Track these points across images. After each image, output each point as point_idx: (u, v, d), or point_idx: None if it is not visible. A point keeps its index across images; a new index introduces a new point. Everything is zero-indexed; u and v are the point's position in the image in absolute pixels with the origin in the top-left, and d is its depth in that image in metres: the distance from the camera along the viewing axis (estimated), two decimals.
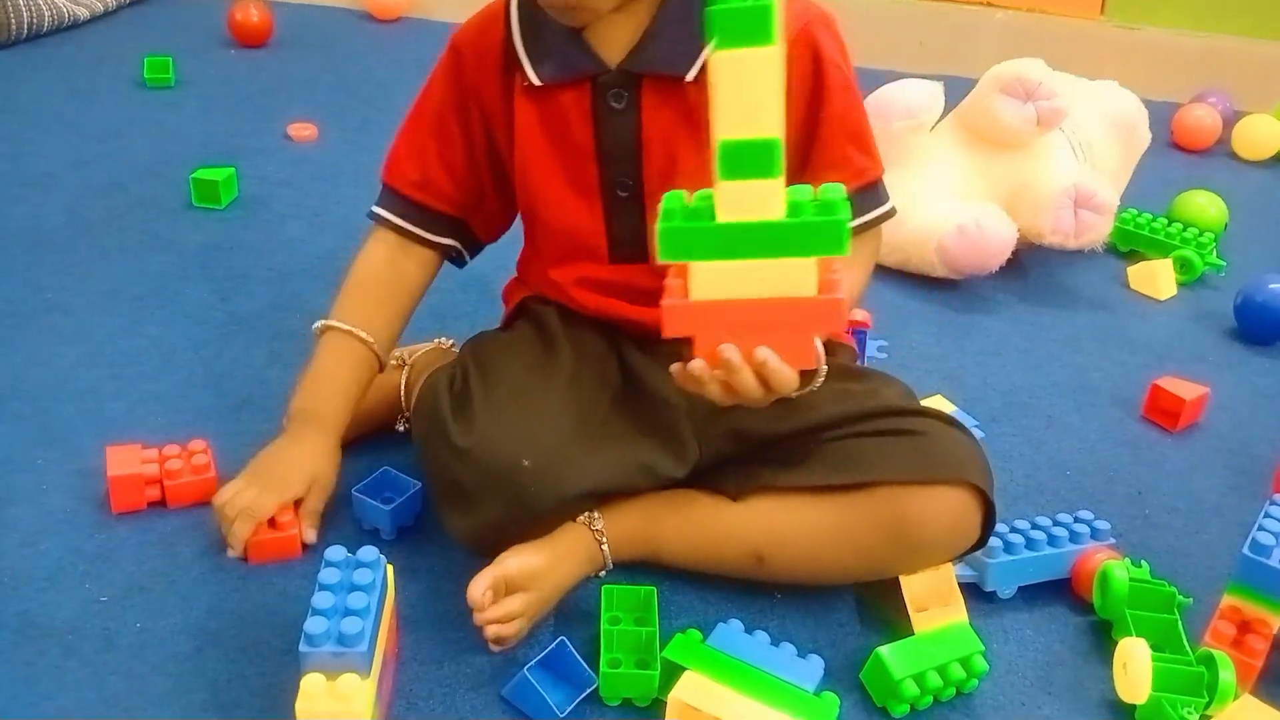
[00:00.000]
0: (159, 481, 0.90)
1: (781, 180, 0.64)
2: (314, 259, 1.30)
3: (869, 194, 0.86)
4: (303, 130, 1.64)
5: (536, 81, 0.82)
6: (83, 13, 2.01)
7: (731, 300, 0.66)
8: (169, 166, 1.48)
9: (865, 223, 0.86)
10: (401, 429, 0.98)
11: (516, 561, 0.79)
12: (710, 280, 0.66)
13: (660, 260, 0.66)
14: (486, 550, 0.82)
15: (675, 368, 0.70)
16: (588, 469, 0.80)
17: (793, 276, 0.65)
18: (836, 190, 0.65)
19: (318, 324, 0.91)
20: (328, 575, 0.72)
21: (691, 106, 0.79)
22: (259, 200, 1.44)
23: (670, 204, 0.66)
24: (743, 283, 0.65)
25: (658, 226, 0.65)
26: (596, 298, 0.88)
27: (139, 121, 1.64)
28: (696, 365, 0.69)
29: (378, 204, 0.94)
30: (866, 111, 0.85)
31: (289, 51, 2.00)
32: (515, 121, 0.84)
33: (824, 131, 0.82)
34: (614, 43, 0.80)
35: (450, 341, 1.01)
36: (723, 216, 0.64)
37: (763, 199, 0.63)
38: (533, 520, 0.80)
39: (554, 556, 0.81)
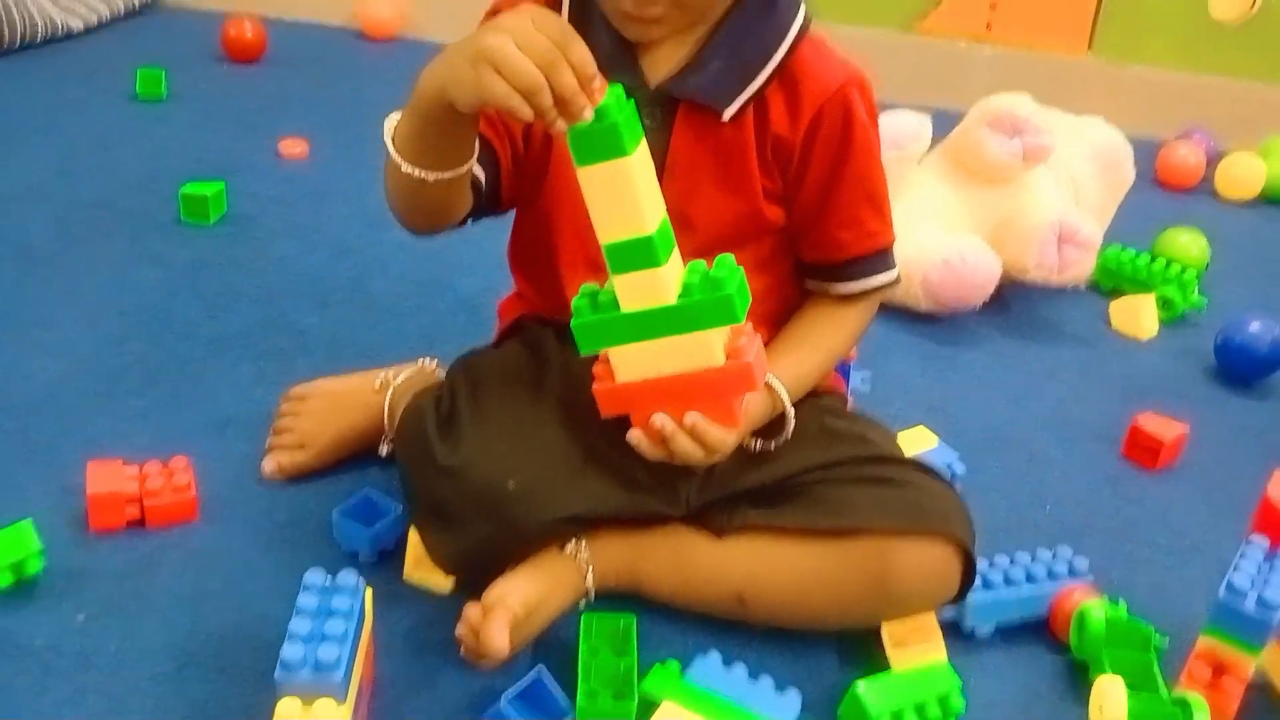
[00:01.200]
0: (139, 499, 0.89)
1: (667, 267, 0.70)
2: (303, 277, 1.30)
3: (877, 259, 0.88)
4: (294, 147, 1.64)
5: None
6: (76, 24, 2.01)
7: (652, 378, 0.73)
8: (158, 181, 1.48)
9: (867, 289, 0.88)
10: (384, 452, 0.98)
11: (520, 598, 0.79)
12: (629, 363, 0.73)
13: (582, 353, 0.74)
14: (467, 573, 0.83)
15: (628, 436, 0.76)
16: (574, 494, 0.80)
17: (699, 349, 0.71)
18: (726, 265, 0.72)
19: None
20: (305, 600, 0.72)
21: (721, 142, 0.81)
22: (248, 217, 1.44)
23: (579, 302, 0.73)
24: (657, 361, 0.72)
25: (571, 324, 0.73)
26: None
27: (129, 135, 1.64)
28: (633, 435, 0.76)
29: None
30: (885, 177, 0.87)
31: (282, 68, 2.00)
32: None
33: (843, 189, 0.84)
34: (660, 63, 0.81)
35: (434, 363, 1.01)
36: (624, 306, 0.71)
37: (654, 286, 0.70)
38: (516, 543, 0.80)
39: (546, 587, 0.81)
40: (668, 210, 0.73)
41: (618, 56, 0.80)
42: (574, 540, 0.84)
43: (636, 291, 0.71)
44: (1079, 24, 2.22)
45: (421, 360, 1.02)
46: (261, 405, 1.03)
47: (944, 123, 1.46)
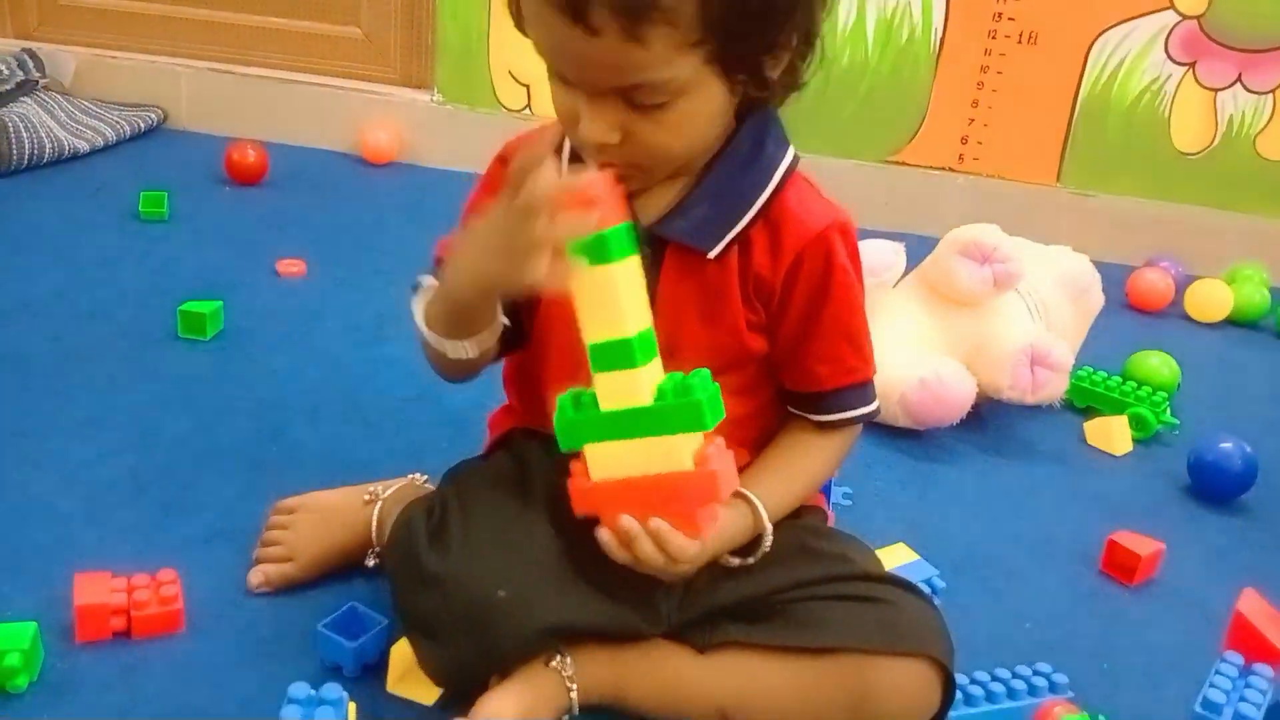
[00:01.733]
0: (125, 611, 0.90)
1: (645, 370, 0.73)
2: (297, 391, 1.33)
3: (854, 392, 0.90)
4: (291, 266, 1.69)
5: None
6: (83, 145, 2.08)
7: (623, 479, 0.76)
8: (157, 298, 1.52)
9: (845, 419, 0.91)
10: (371, 564, 0.99)
11: (512, 711, 0.79)
12: (603, 462, 0.76)
13: (562, 449, 0.77)
14: (458, 685, 0.83)
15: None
16: (563, 604, 0.81)
17: (668, 453, 0.74)
18: (700, 377, 0.74)
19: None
20: (290, 713, 0.73)
21: (707, 279, 0.84)
22: (245, 333, 1.47)
23: (564, 400, 0.77)
24: (629, 462, 0.75)
25: (554, 421, 0.76)
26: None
27: (130, 253, 1.69)
28: (601, 534, 0.78)
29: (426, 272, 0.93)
30: (866, 315, 0.90)
31: (282, 190, 2.07)
32: None
33: (821, 329, 0.87)
34: (650, 205, 0.84)
35: (424, 478, 1.03)
36: (603, 405, 0.75)
37: (630, 387, 0.73)
38: (502, 656, 0.81)
39: (530, 702, 0.81)
40: (657, 341, 0.76)
41: None
42: (559, 656, 0.84)
43: (614, 391, 0.74)
44: (1048, 156, 2.32)
45: (411, 475, 1.04)
46: (250, 518, 1.04)
47: (919, 249, 1.52)
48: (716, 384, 0.75)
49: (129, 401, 1.27)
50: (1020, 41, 2.24)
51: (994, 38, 2.25)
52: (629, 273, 0.73)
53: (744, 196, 0.83)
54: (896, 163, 2.32)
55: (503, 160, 0.90)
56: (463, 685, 0.83)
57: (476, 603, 0.79)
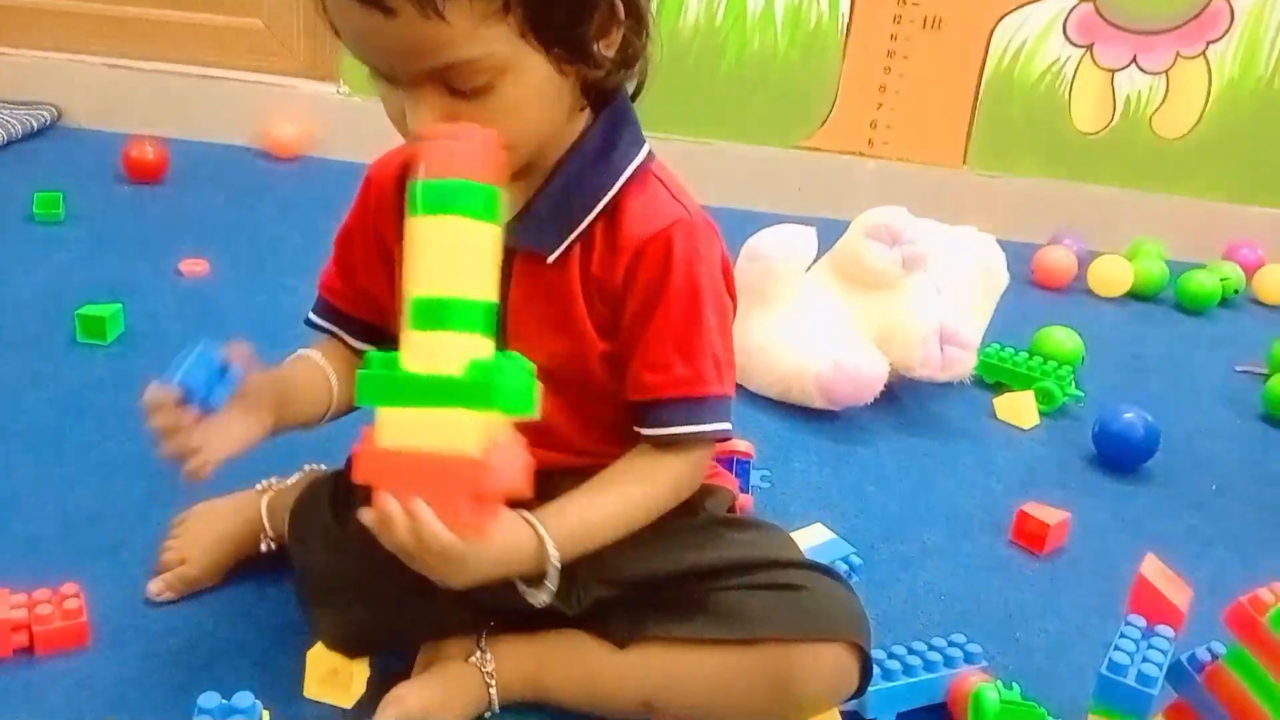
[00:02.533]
0: (27, 626, 0.87)
1: (462, 338, 0.67)
2: None
3: (687, 407, 0.82)
4: (194, 266, 1.64)
5: None
6: None
7: (404, 451, 0.68)
8: (54, 303, 1.46)
9: (673, 435, 0.82)
10: (264, 549, 0.97)
11: (417, 699, 0.79)
12: (393, 427, 0.68)
13: (358, 404, 0.70)
14: (353, 652, 0.83)
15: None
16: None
17: (456, 432, 0.67)
18: (517, 360, 0.69)
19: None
20: None
21: (552, 286, 0.81)
22: (147, 336, 1.43)
23: (371, 357, 0.70)
24: (417, 433, 0.68)
25: (357, 374, 0.69)
26: None
27: (25, 256, 1.63)
28: (364, 514, 0.70)
29: (312, 309, 0.94)
30: (713, 326, 0.82)
31: (183, 188, 2.01)
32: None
33: (650, 333, 0.81)
34: (503, 209, 0.81)
35: (321, 467, 1.02)
36: (407, 366, 0.68)
37: (440, 352, 0.67)
38: (405, 619, 0.80)
39: (446, 693, 0.81)
40: (510, 344, 0.75)
41: None
42: (478, 651, 0.84)
43: (424, 352, 0.68)
44: (954, 139, 2.37)
45: (307, 466, 1.03)
46: (155, 527, 1.01)
47: (830, 233, 1.54)
48: (531, 366, 0.70)
49: (27, 409, 1.22)
50: (925, 27, 2.29)
51: (899, 23, 2.28)
52: (479, 237, 0.68)
53: (587, 197, 0.80)
54: (807, 148, 2.35)
55: (366, 180, 0.88)
56: (358, 651, 0.83)
57: (379, 564, 0.75)
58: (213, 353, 0.75)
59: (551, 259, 0.80)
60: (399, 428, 0.68)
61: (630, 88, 0.82)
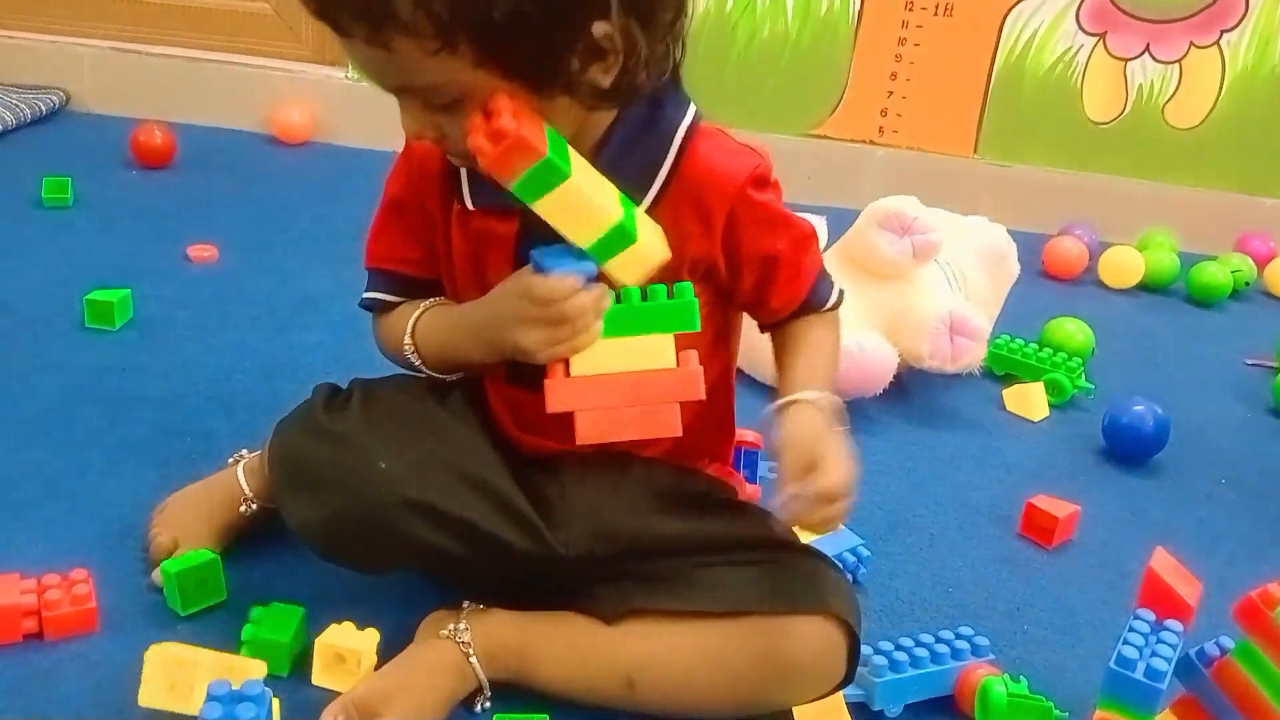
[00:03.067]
0: (37, 613, 0.87)
1: (641, 242, 0.76)
2: (208, 382, 1.30)
3: (823, 287, 0.91)
4: (202, 252, 1.64)
5: (470, 206, 0.84)
6: None
7: (604, 374, 0.78)
8: (63, 288, 1.46)
9: (830, 308, 0.92)
10: (244, 510, 0.98)
11: (366, 685, 0.79)
12: (587, 357, 0.78)
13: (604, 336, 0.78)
14: (324, 550, 0.84)
15: None
16: (445, 488, 0.81)
17: (654, 351, 0.78)
18: (685, 287, 0.78)
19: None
20: (210, 710, 0.71)
21: None
22: (154, 322, 1.43)
23: None
24: (612, 358, 0.78)
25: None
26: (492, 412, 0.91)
27: (33, 241, 1.63)
28: (581, 420, 0.78)
29: (365, 289, 0.94)
30: (800, 232, 0.88)
31: (192, 173, 2.01)
32: (450, 234, 0.87)
33: (783, 255, 0.86)
34: None
35: None
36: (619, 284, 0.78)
37: (640, 260, 0.77)
38: (378, 520, 0.80)
39: (410, 675, 0.80)
40: None
41: None
42: (453, 624, 0.84)
43: (627, 270, 0.77)
44: (965, 128, 2.36)
45: None
46: None
47: (840, 222, 1.53)
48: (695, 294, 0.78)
49: (36, 394, 1.23)
50: (936, 14, 2.27)
51: (910, 10, 2.27)
52: (581, 170, 0.75)
53: (647, 162, 0.80)
54: (818, 136, 2.34)
55: (406, 151, 0.88)
56: (326, 548, 0.84)
57: (360, 463, 0.80)
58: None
59: None
60: (593, 356, 0.78)
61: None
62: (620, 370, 0.78)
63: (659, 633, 0.84)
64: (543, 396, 0.79)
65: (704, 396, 0.79)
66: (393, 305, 0.92)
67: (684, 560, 0.86)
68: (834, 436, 0.82)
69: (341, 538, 0.82)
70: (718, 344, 0.90)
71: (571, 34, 0.71)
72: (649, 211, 0.81)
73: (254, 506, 0.97)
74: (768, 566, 0.85)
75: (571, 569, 0.86)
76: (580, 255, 0.77)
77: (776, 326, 0.92)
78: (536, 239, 0.80)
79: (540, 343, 0.77)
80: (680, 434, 0.79)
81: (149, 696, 0.79)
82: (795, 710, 0.84)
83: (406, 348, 0.88)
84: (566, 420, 0.79)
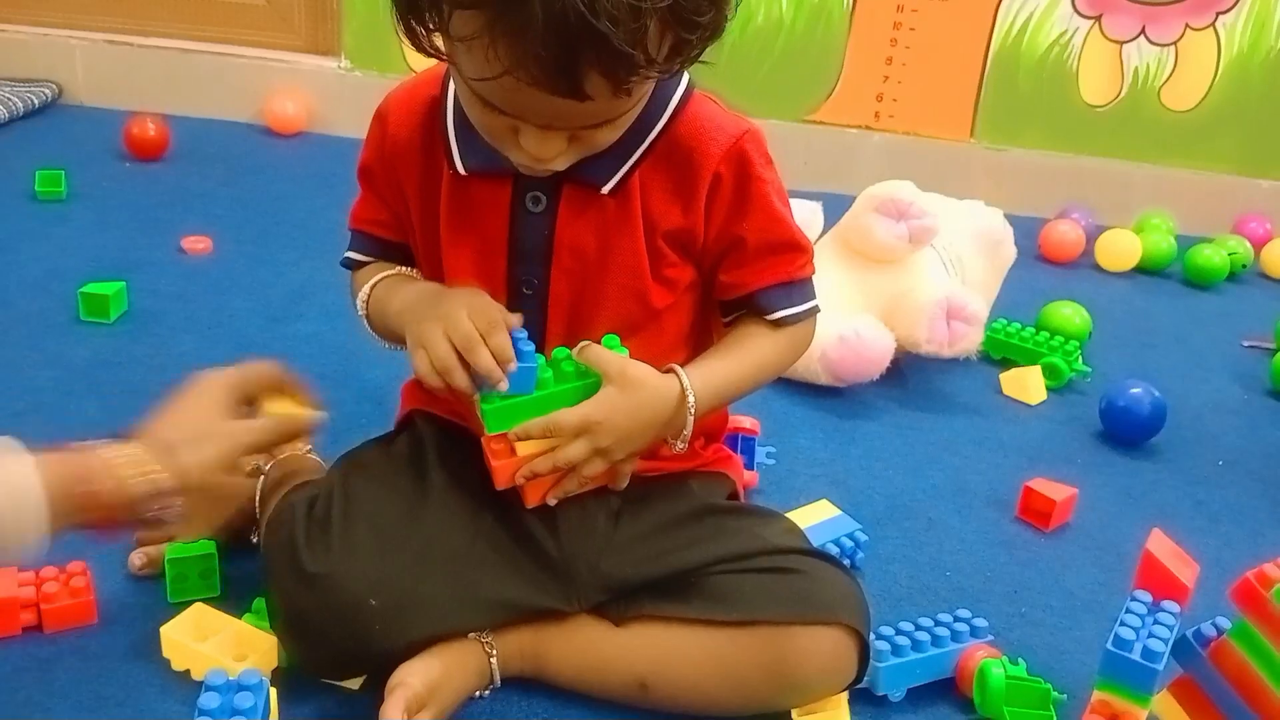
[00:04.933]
0: (35, 605, 0.87)
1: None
2: None
3: (791, 290, 0.87)
4: (197, 243, 1.64)
5: (461, 170, 0.82)
6: None
7: (545, 450, 0.80)
8: (57, 281, 1.46)
9: (785, 317, 0.88)
10: (255, 540, 0.97)
11: (421, 675, 0.79)
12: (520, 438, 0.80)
13: (490, 432, 0.79)
14: (337, 680, 0.84)
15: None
16: (439, 611, 0.81)
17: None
18: (609, 341, 0.81)
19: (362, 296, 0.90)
20: (207, 700, 0.71)
21: (605, 217, 0.82)
22: (150, 314, 1.42)
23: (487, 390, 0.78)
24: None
25: (481, 408, 0.78)
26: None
27: (27, 235, 1.62)
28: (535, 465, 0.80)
29: (349, 249, 0.94)
30: (790, 217, 0.87)
31: (186, 165, 2.00)
32: (439, 204, 0.85)
33: (748, 241, 0.84)
34: None
35: (307, 447, 1.01)
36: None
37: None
38: (376, 658, 0.80)
39: (447, 667, 0.81)
40: (556, 290, 0.82)
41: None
42: None
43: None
44: (961, 112, 2.35)
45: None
46: None
47: (836, 207, 1.53)
48: (623, 348, 0.79)
49: (31, 388, 1.22)
50: None
51: None
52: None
53: (641, 127, 0.79)
54: (813, 122, 2.33)
55: (380, 118, 0.87)
56: (338, 678, 0.84)
57: (350, 607, 0.79)
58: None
59: (607, 189, 0.81)
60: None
61: None
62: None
63: (670, 637, 0.84)
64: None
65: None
66: (365, 264, 0.92)
67: (692, 570, 0.85)
68: (627, 394, 0.80)
69: (350, 670, 0.83)
70: (699, 330, 0.90)
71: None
72: (630, 171, 0.81)
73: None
74: (777, 574, 0.84)
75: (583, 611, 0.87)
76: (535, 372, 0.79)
77: (730, 320, 0.90)
78: (531, 198, 0.81)
79: (426, 352, 0.77)
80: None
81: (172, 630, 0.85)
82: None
83: (360, 310, 0.90)
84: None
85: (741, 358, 0.87)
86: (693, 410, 0.82)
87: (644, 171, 0.81)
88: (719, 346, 0.88)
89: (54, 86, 2.22)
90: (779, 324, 0.88)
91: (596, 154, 0.78)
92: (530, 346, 0.79)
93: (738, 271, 0.86)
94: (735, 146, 0.82)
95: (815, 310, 0.90)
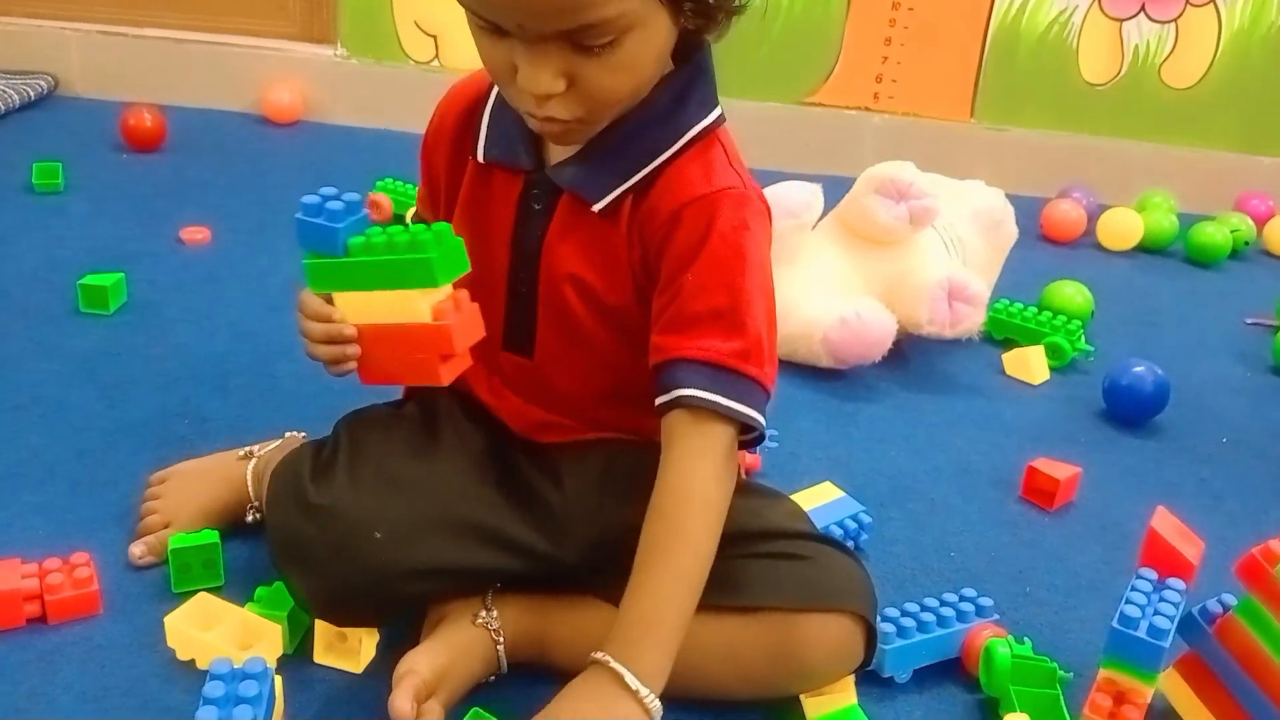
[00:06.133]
0: (39, 597, 0.87)
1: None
2: (203, 363, 1.29)
3: (712, 375, 0.75)
4: (195, 234, 1.63)
5: (481, 158, 0.83)
6: None
7: (367, 324, 0.78)
8: (56, 272, 1.46)
9: (684, 398, 0.75)
10: (250, 519, 0.97)
11: (428, 662, 0.78)
12: (351, 307, 0.79)
13: (312, 290, 0.79)
14: (329, 617, 0.83)
15: None
16: (442, 546, 0.80)
17: (406, 305, 0.75)
18: (441, 228, 0.74)
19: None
20: (212, 689, 0.71)
21: (595, 236, 0.81)
22: (149, 305, 1.42)
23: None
24: (373, 310, 0.77)
25: (303, 262, 0.78)
26: (485, 382, 0.90)
27: (25, 227, 1.62)
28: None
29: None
30: (758, 304, 0.77)
31: (183, 155, 2.00)
32: (460, 190, 0.86)
33: (681, 294, 0.76)
34: (562, 149, 0.81)
35: (303, 435, 1.01)
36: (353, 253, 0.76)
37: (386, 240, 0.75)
38: (381, 591, 0.79)
39: (453, 653, 0.81)
40: (544, 296, 0.81)
41: (525, 139, 0.81)
42: (484, 611, 0.84)
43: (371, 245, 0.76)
44: (960, 92, 2.34)
45: (289, 433, 1.03)
46: None
47: (836, 189, 1.52)
48: (459, 238, 0.74)
49: (31, 380, 1.22)
50: None
51: None
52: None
53: (645, 151, 0.78)
54: (812, 104, 2.32)
55: (440, 103, 0.88)
56: (333, 618, 0.83)
57: (353, 537, 0.78)
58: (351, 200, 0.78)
59: (598, 208, 0.80)
60: (359, 307, 0.78)
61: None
62: (382, 321, 0.77)
63: None
64: (530, 363, 0.83)
65: (459, 350, 0.74)
66: None
67: None
68: None
69: (348, 606, 0.82)
70: None
71: None
72: (624, 195, 0.79)
73: (259, 516, 0.97)
74: (785, 560, 0.83)
75: (581, 567, 0.86)
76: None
77: (660, 404, 0.77)
78: (534, 197, 0.81)
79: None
80: (446, 384, 0.76)
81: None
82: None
83: None
84: (548, 385, 0.85)
85: (671, 565, 0.74)
86: (652, 699, 0.72)
87: (636, 198, 0.79)
88: (640, 569, 0.75)
89: (50, 78, 2.21)
90: (682, 406, 0.75)
91: (596, 169, 0.78)
92: (358, 214, 0.76)
93: (668, 329, 0.77)
94: (711, 197, 0.77)
95: (749, 421, 0.76)
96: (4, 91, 2.09)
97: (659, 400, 0.77)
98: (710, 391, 0.75)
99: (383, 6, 2.21)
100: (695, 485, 0.76)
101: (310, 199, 0.76)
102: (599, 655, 0.72)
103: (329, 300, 0.79)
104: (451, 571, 0.82)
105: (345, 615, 0.82)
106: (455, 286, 0.75)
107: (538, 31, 0.68)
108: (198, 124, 2.13)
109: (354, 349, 0.78)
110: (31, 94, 2.15)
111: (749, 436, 0.79)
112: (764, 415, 0.78)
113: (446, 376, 0.75)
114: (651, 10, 0.70)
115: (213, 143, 2.07)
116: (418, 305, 0.74)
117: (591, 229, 0.81)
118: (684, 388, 0.75)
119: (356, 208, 0.77)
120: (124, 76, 2.23)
